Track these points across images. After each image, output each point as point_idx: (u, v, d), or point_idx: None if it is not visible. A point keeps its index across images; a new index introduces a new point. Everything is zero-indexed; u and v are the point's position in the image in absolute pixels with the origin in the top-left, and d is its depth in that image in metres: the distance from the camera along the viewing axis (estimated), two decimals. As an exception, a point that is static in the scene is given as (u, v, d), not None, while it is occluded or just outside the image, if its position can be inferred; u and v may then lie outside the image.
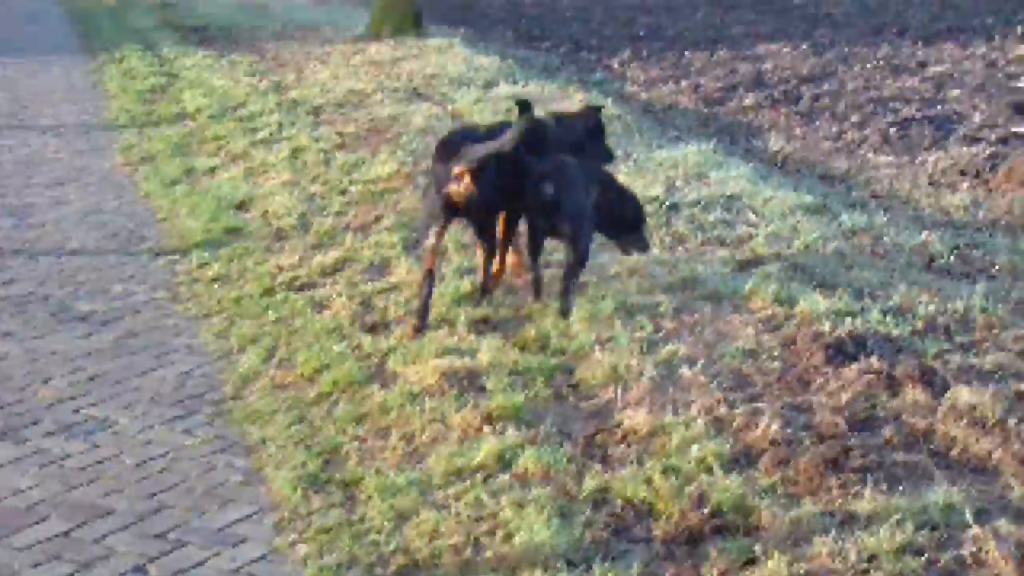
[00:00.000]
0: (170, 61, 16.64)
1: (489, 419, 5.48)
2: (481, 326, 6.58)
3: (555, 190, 6.56)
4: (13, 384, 6.27)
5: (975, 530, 4.41)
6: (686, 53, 16.62)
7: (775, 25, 19.48)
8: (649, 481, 4.84)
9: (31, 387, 6.23)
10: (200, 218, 8.87)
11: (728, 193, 8.84)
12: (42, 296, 7.58)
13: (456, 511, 4.77)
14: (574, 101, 12.01)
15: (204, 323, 7.01)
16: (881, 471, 4.88)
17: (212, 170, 10.39)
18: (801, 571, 4.24)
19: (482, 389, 5.79)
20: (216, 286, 7.55)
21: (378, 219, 8.57)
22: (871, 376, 5.71)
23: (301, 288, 7.38)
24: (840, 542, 4.35)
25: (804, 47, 16.73)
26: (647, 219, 7.18)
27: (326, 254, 7.85)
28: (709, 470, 4.91)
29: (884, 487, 4.73)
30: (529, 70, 14.73)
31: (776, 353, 6.06)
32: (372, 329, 6.68)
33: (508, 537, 4.58)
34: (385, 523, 4.74)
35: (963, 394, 5.50)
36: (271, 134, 11.48)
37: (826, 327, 6.23)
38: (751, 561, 4.34)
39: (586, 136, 7.25)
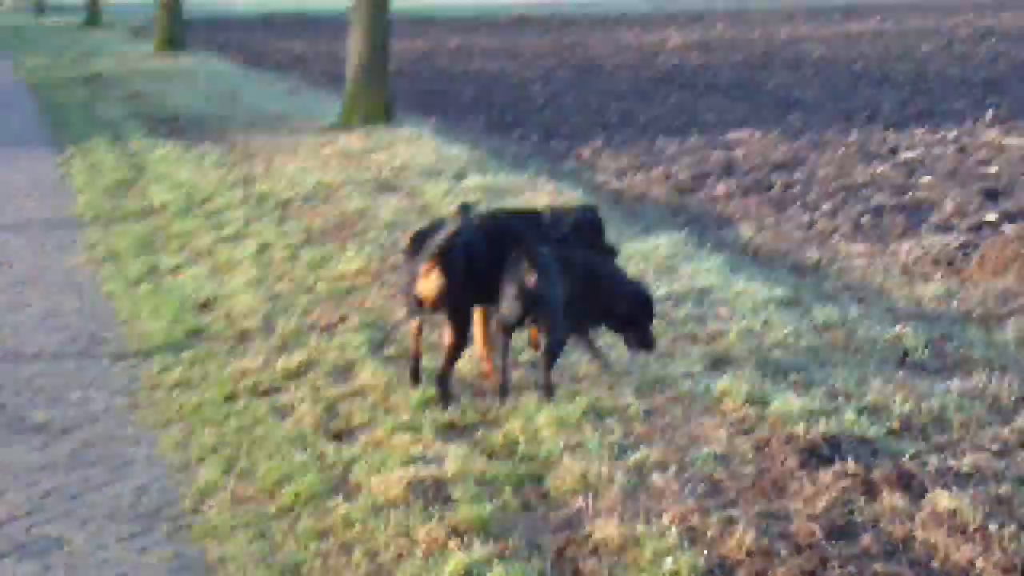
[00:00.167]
0: (138, 153, 16.53)
1: (456, 532, 5.34)
2: (448, 431, 6.46)
3: (533, 279, 6.52)
4: (-37, 501, 6.07)
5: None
6: (658, 140, 16.62)
7: (746, 111, 19.58)
8: (621, 599, 4.70)
9: (-18, 504, 6.02)
10: (162, 319, 8.70)
11: (699, 287, 8.77)
12: (-3, 405, 7.39)
13: (421, 634, 4.62)
14: (544, 192, 11.99)
15: (164, 432, 6.81)
16: (860, 584, 4.75)
17: (176, 268, 10.23)
18: None
19: (448, 500, 5.65)
20: (176, 392, 7.36)
21: (343, 319, 8.43)
22: (847, 481, 5.61)
23: (264, 393, 7.22)
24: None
25: (775, 133, 16.77)
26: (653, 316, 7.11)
27: (290, 356, 7.69)
28: (683, 585, 4.77)
29: (863, 602, 4.61)
30: (500, 160, 14.69)
31: (749, 457, 5.95)
32: (336, 436, 6.54)
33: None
34: (347, 648, 4.58)
35: (942, 498, 5.40)
36: (237, 230, 11.34)
37: (800, 429, 6.13)
38: None
39: (586, 231, 7.31)
